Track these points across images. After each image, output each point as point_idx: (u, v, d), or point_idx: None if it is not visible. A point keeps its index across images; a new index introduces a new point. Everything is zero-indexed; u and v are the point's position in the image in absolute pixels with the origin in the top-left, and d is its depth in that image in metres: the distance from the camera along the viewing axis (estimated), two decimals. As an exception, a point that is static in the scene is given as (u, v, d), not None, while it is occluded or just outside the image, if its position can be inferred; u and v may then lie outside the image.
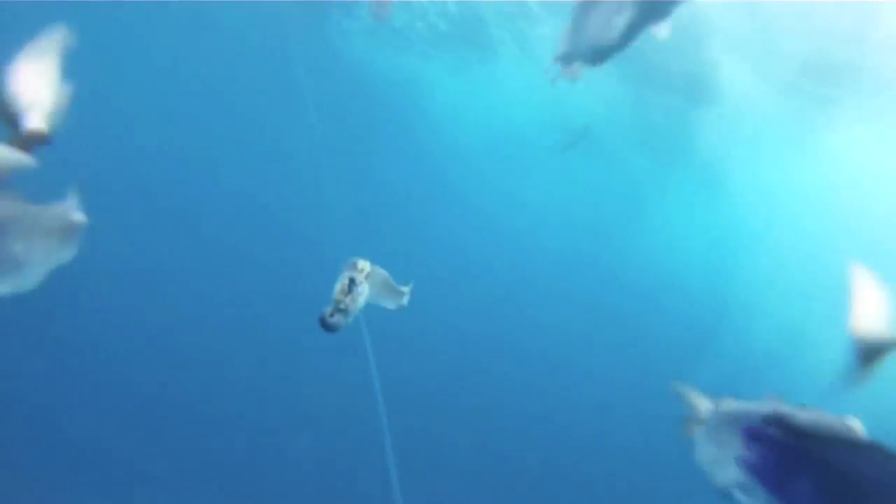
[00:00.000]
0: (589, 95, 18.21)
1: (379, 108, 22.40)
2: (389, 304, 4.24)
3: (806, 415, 2.29)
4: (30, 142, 3.24)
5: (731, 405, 2.61)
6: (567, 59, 3.71)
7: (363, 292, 3.79)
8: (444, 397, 17.02)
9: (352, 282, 3.70)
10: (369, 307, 4.09)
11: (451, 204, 25.02)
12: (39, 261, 3.17)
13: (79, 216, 3.49)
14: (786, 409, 2.36)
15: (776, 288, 21.43)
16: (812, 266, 20.99)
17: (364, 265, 3.87)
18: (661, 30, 3.14)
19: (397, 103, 22.46)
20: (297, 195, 20.83)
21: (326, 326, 3.67)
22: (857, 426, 2.28)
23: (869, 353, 3.06)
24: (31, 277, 3.16)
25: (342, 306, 3.69)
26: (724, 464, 2.46)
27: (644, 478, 15.53)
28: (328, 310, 3.66)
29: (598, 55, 3.47)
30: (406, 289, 4.28)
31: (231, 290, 18.57)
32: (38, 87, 3.35)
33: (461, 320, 19.31)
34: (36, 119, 3.28)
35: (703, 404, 2.81)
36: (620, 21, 3.13)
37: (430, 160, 24.87)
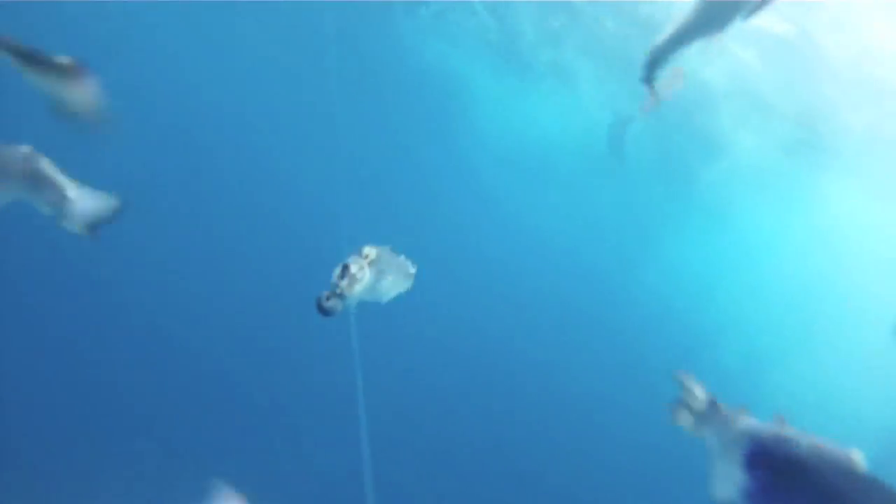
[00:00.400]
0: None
1: (423, 99, 23.50)
2: (399, 289, 4.25)
3: (808, 441, 2.29)
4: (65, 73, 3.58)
5: (739, 420, 2.59)
6: (646, 76, 3.82)
7: (363, 278, 3.75)
8: (435, 399, 17.49)
9: (345, 267, 3.71)
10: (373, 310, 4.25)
11: (476, 203, 26.34)
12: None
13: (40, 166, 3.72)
14: (790, 433, 2.34)
15: (756, 316, 23.58)
16: (793, 298, 23.29)
17: (369, 251, 3.86)
18: (714, 42, 3.28)
19: (440, 97, 23.50)
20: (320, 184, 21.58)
21: (321, 310, 3.64)
22: (858, 458, 2.25)
23: None
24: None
25: (338, 290, 3.65)
26: (726, 479, 2.46)
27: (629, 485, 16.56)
28: (325, 293, 3.65)
29: (651, 64, 3.61)
30: (412, 269, 4.34)
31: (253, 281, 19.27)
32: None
33: (465, 319, 20.34)
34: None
35: (701, 395, 2.81)
36: (670, 29, 3.35)
37: (464, 159, 26.19)
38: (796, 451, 2.26)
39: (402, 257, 4.21)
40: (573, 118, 21.27)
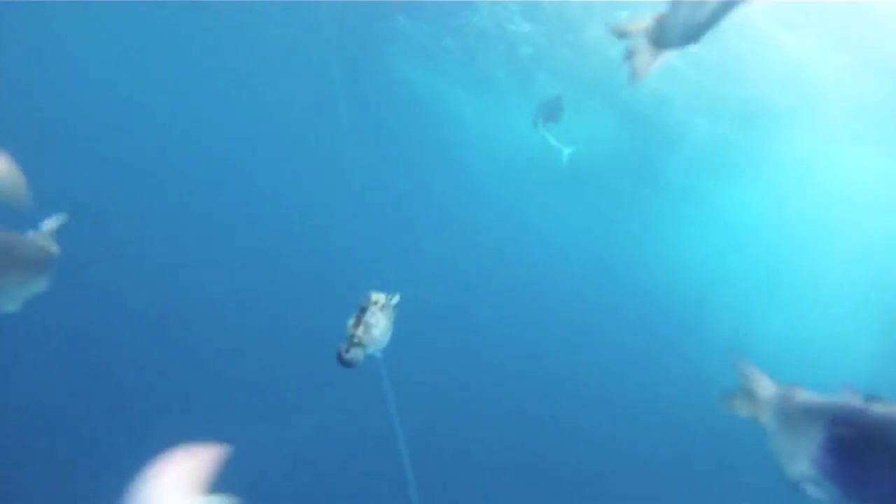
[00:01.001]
0: (583, 133, 21.28)
1: (409, 120, 24.67)
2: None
3: (880, 409, 2.27)
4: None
5: (804, 396, 2.52)
6: (658, 43, 3.67)
7: (377, 323, 3.78)
8: (447, 401, 17.22)
9: (362, 311, 3.73)
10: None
11: (469, 209, 27.56)
12: (12, 291, 3.19)
13: (55, 247, 3.43)
14: (859, 403, 2.31)
15: (741, 286, 25.59)
16: (768, 264, 24.96)
17: (378, 297, 3.88)
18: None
19: (428, 117, 24.67)
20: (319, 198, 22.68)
21: (344, 362, 3.66)
22: None
23: None
24: (4, 305, 3.18)
25: (356, 340, 3.66)
26: (797, 457, 2.39)
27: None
28: (344, 346, 3.65)
29: (689, 36, 3.40)
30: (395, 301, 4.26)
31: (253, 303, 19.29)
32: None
33: (458, 328, 20.50)
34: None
35: (764, 383, 2.71)
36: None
37: (451, 172, 27.62)
38: (876, 420, 2.21)
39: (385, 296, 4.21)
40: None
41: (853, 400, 2.30)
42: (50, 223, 3.54)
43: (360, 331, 3.63)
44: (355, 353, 3.61)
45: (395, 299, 3.97)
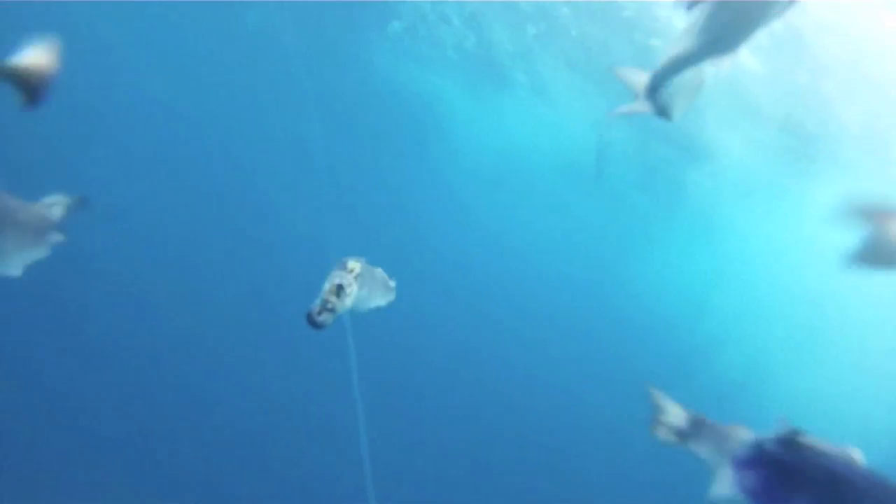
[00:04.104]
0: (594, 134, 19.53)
1: (395, 118, 23.57)
2: (381, 301, 4.40)
3: (809, 438, 2.37)
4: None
5: (735, 433, 2.63)
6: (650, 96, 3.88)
7: (352, 293, 3.86)
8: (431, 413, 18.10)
9: (336, 282, 3.77)
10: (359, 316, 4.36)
11: (455, 219, 26.31)
12: (12, 254, 3.29)
13: (56, 214, 3.55)
14: (776, 434, 2.41)
15: (748, 326, 23.31)
16: (783, 307, 23.00)
17: (354, 265, 3.93)
18: (725, 64, 3.29)
19: (415, 116, 23.55)
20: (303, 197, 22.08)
21: (313, 324, 3.73)
22: (858, 456, 2.30)
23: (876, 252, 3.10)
24: (6, 268, 3.29)
25: (329, 305, 3.72)
26: (720, 479, 2.51)
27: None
28: (316, 308, 3.71)
29: (657, 80, 3.63)
30: (392, 283, 4.46)
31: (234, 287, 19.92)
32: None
33: (445, 338, 20.73)
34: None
35: (676, 412, 2.86)
36: (680, 49, 3.32)
37: (441, 175, 26.08)
38: (799, 452, 2.29)
39: (380, 270, 4.31)
40: (550, 131, 21.13)
41: (779, 429, 2.41)
42: (55, 199, 3.69)
43: (334, 297, 3.72)
44: (326, 317, 3.71)
45: (375, 269, 4.14)
